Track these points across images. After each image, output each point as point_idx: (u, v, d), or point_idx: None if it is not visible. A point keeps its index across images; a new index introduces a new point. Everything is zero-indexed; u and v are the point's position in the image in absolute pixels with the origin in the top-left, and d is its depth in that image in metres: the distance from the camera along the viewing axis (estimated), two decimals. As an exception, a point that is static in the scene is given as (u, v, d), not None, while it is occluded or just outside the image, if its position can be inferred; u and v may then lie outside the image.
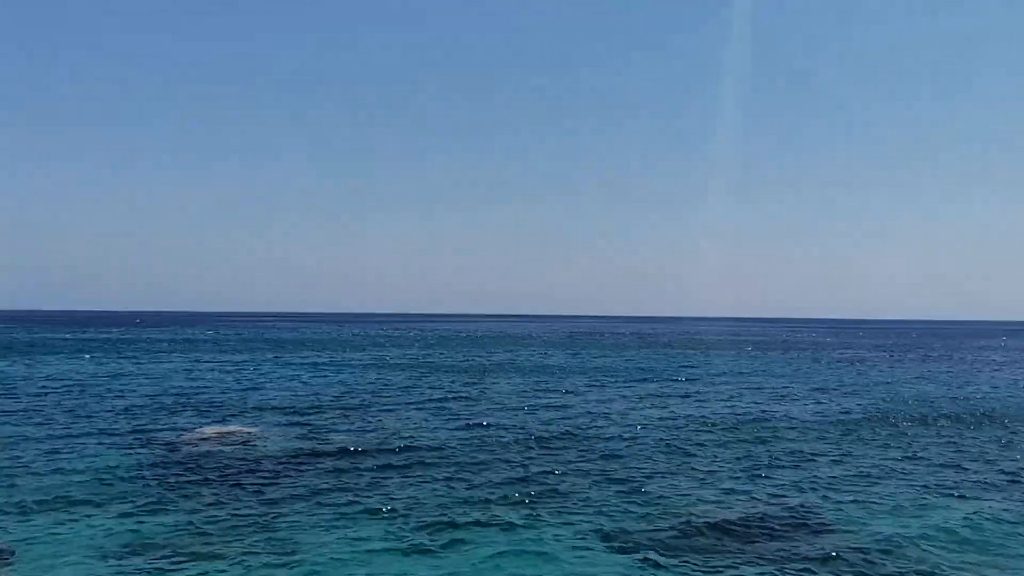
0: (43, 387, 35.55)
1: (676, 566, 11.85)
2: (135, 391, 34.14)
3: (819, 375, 48.14)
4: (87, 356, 58.61)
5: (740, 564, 11.94)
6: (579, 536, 13.20)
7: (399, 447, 20.92)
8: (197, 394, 33.42)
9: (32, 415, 26.32)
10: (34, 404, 29.33)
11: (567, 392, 36.03)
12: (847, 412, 29.93)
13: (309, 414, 27.48)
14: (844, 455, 20.96)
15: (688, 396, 35.07)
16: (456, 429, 24.31)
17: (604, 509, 14.90)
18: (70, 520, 13.68)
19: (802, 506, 15.39)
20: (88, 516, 13.94)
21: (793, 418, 27.99)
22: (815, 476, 18.20)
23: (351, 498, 15.42)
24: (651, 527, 13.77)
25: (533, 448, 21.16)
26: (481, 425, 25.15)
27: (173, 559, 11.75)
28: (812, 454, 21.04)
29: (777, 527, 13.85)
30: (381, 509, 14.61)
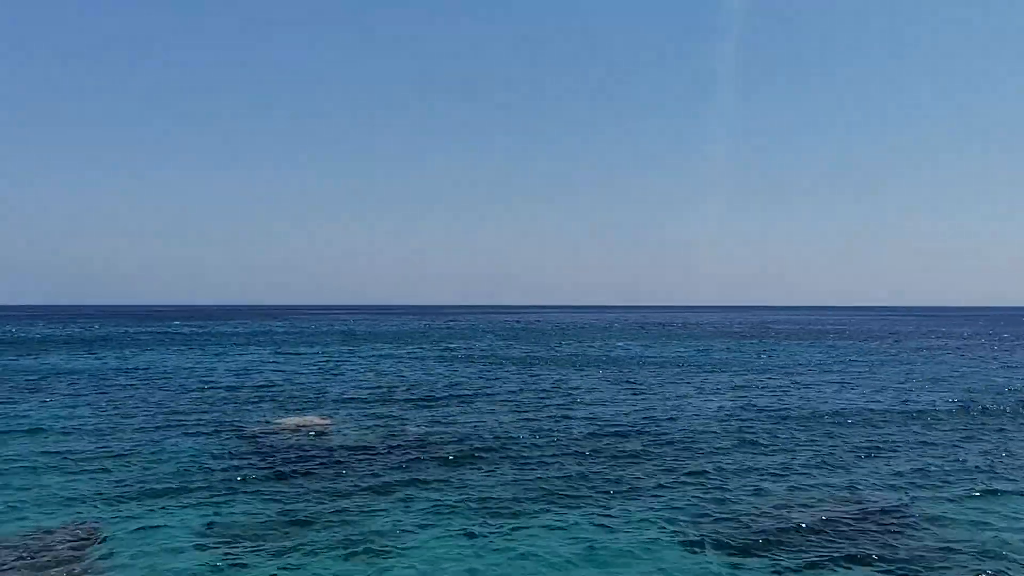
0: (133, 380, 37.23)
1: (747, 561, 11.67)
2: (217, 383, 35.41)
3: (903, 364, 46.47)
4: (171, 349, 61.07)
5: (813, 560, 11.66)
6: (649, 530, 13.11)
7: (472, 439, 21.14)
8: (276, 386, 34.45)
9: (124, 406, 27.61)
10: (126, 396, 30.76)
11: (639, 383, 35.76)
12: (932, 403, 28.83)
13: (383, 406, 28.01)
14: (927, 448, 20.21)
15: (765, 387, 34.35)
16: (528, 421, 24.41)
17: (675, 503, 14.76)
18: (158, 507, 14.31)
19: (880, 502, 14.92)
20: (174, 504, 14.55)
21: (874, 409, 27.11)
22: (895, 470, 17.60)
23: (424, 490, 15.67)
24: (722, 521, 13.58)
25: (604, 441, 21.09)
26: (553, 417, 25.20)
27: (255, 547, 12.16)
28: (892, 447, 20.36)
29: (853, 523, 13.47)
30: (454, 501, 14.81)
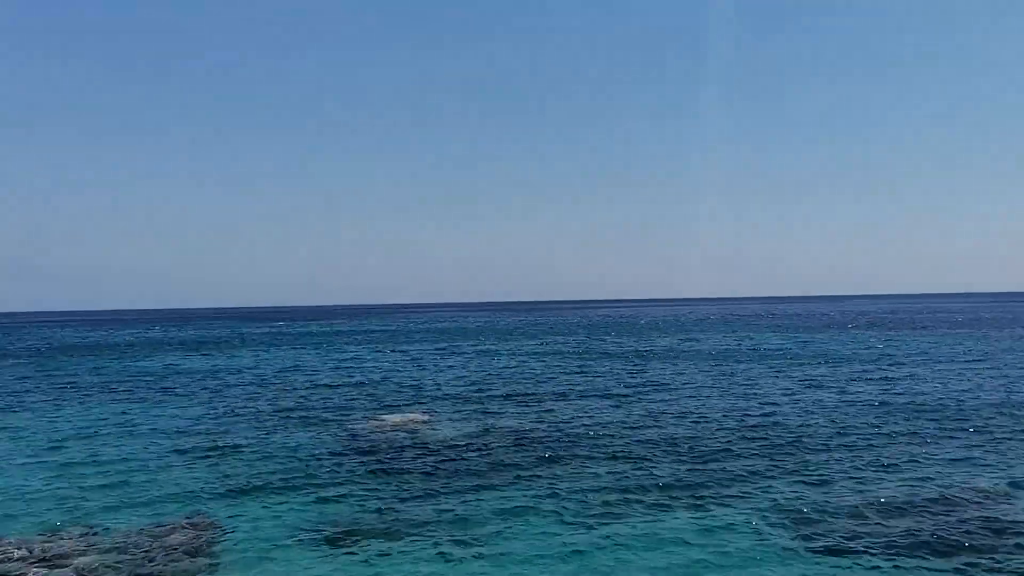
0: (242, 379, 38.91)
1: (851, 560, 11.16)
2: (321, 381, 36.61)
3: (1025, 355, 43.53)
4: (277, 349, 63.51)
5: (917, 560, 11.05)
6: (751, 526, 12.74)
7: (569, 434, 21.09)
8: (377, 383, 35.33)
9: (234, 404, 28.89)
10: (236, 394, 32.17)
11: (741, 377, 34.85)
12: (1060, 396, 26.88)
13: (481, 402, 28.30)
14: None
15: (880, 380, 32.85)
16: (625, 417, 24.17)
17: (778, 498, 14.29)
18: (270, 501, 14.90)
19: (997, 501, 13.99)
20: (285, 497, 15.12)
21: (994, 403, 25.50)
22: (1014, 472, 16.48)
23: (523, 486, 15.73)
24: (825, 518, 13.08)
25: (704, 435, 20.65)
26: (650, 413, 24.86)
27: (360, 539, 12.50)
28: (1011, 445, 19.08)
29: (964, 524, 12.68)
30: (552, 498, 14.80)
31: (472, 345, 63.25)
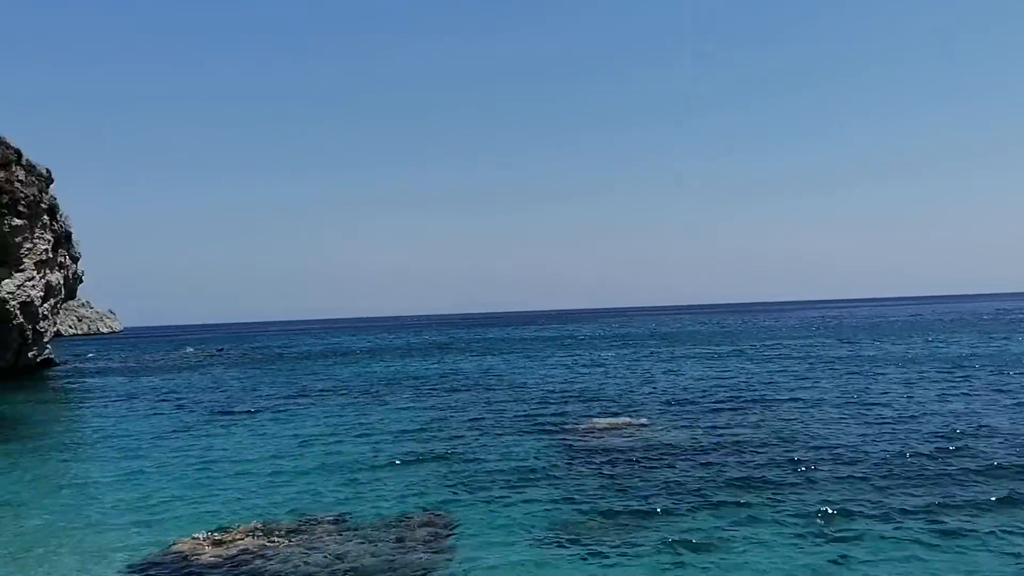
0: (462, 382, 40.76)
1: None
2: (530, 385, 37.49)
3: None
4: (481, 354, 65.96)
5: None
6: (1003, 546, 11.30)
7: (790, 445, 19.97)
8: (583, 387, 35.59)
9: (453, 408, 30.31)
10: (462, 398, 33.74)
11: (993, 385, 31.27)
12: None
13: (694, 406, 27.61)
14: None
15: None
16: (850, 427, 22.48)
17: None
18: (498, 501, 15.37)
19: None
20: (509, 498, 15.53)
21: None
22: None
23: (750, 494, 15.09)
24: None
25: (950, 454, 18.67)
26: (883, 423, 22.94)
27: (589, 544, 12.53)
28: None
29: None
30: (781, 508, 14.05)
31: (692, 348, 61.93)
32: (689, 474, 17.01)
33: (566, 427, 24.07)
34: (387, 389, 38.36)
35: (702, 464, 18.02)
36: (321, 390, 38.61)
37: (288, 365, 60.50)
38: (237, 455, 21.31)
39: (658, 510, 14.20)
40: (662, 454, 19.28)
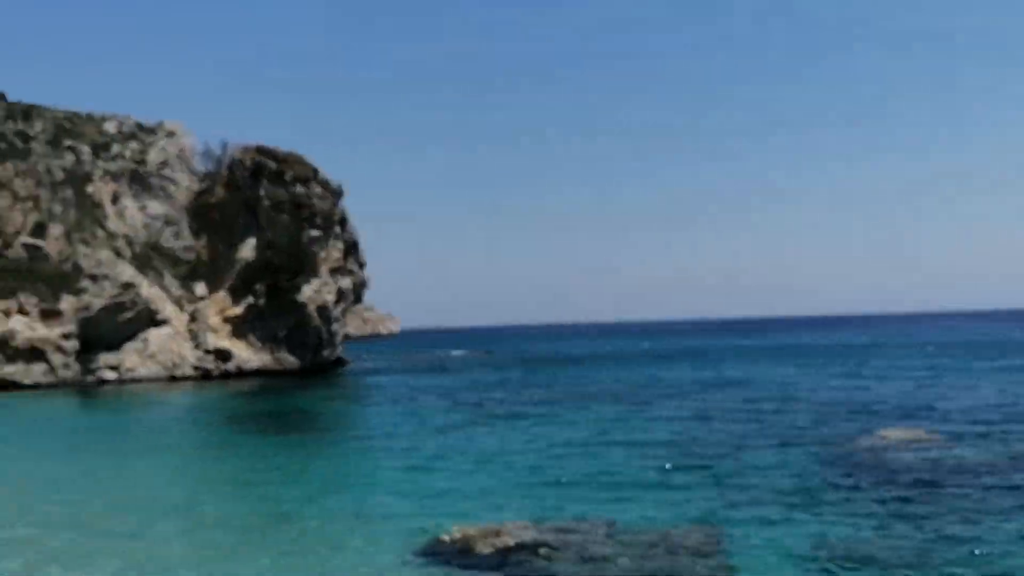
0: (730, 391, 39.07)
1: None
2: (807, 394, 34.95)
3: None
4: (752, 361, 62.88)
5: None
6: None
7: None
8: (873, 397, 32.64)
9: (725, 415, 28.98)
10: (731, 407, 32.32)
11: None
12: None
13: (998, 422, 23.95)
14: None
15: None
16: None
17: None
18: (770, 514, 14.31)
19: None
20: (786, 512, 14.39)
21: None
22: None
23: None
24: None
25: None
26: None
27: (865, 569, 11.17)
28: None
29: None
30: None
31: (993, 361, 54.43)
32: (1001, 501, 14.53)
33: (847, 440, 21.88)
34: (647, 395, 37.78)
35: (991, 483, 15.62)
36: (583, 394, 38.90)
37: (551, 369, 62.07)
38: (505, 454, 21.98)
39: (963, 543, 12.19)
40: (965, 475, 16.82)
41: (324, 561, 12.60)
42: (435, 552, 12.59)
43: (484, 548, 12.39)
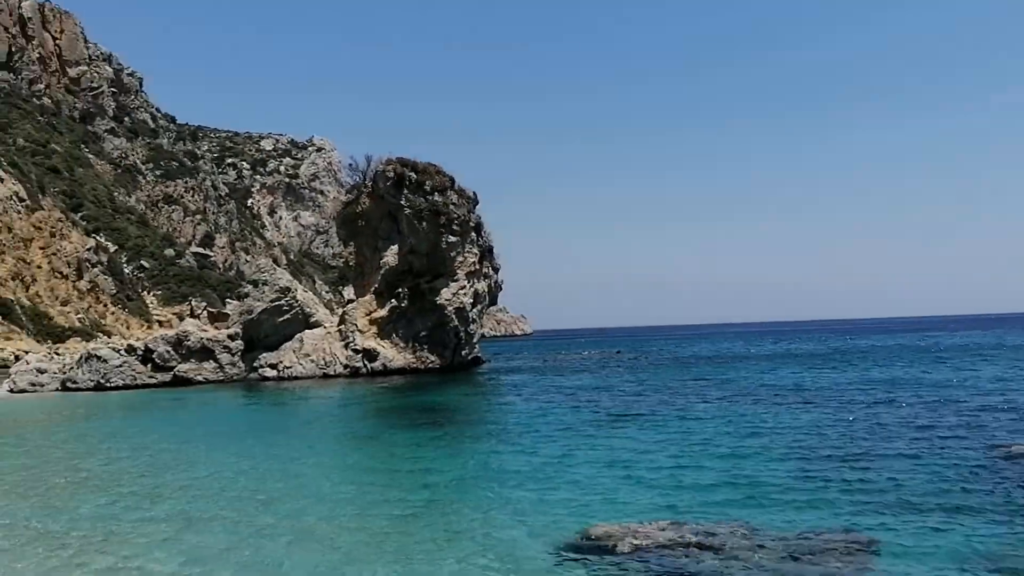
0: (877, 393, 37.60)
1: None
2: (948, 397, 33.13)
3: None
4: (898, 363, 59.75)
5: None
6: None
7: None
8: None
9: (875, 417, 28.07)
10: (881, 410, 31.24)
11: None
12: None
13: None
14: None
15: None
16: None
17: None
18: (919, 522, 14.03)
19: None
20: (935, 521, 14.05)
21: None
22: None
23: None
24: None
25: None
26: None
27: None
28: None
29: None
30: None
31: None
32: None
33: (1002, 446, 20.84)
34: (783, 396, 36.96)
35: None
36: (716, 396, 38.59)
37: (680, 369, 61.58)
38: (642, 452, 22.31)
39: None
40: None
41: (479, 550, 13.42)
42: (577, 547, 13.16)
43: (624, 547, 12.90)
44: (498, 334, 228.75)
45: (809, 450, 21.77)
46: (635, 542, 13.06)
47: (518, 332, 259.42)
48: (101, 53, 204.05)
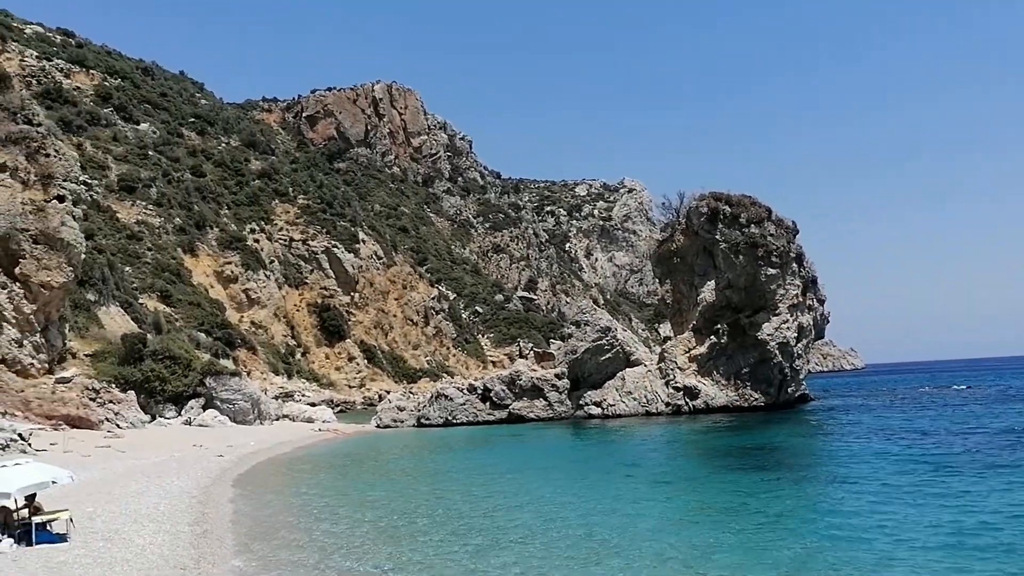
0: None
1: None
2: None
3: None
4: None
5: None
6: None
7: None
8: None
9: None
10: None
11: None
12: None
13: None
14: None
15: None
16: None
17: None
18: None
19: None
20: None
21: None
22: None
23: None
24: None
25: None
26: None
27: None
28: None
29: None
30: None
31: None
32: None
33: None
34: None
35: None
36: None
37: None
38: (987, 513, 19.35)
39: None
40: None
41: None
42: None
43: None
44: (825, 369, 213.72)
45: None
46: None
47: (847, 367, 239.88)
48: (437, 122, 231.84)
